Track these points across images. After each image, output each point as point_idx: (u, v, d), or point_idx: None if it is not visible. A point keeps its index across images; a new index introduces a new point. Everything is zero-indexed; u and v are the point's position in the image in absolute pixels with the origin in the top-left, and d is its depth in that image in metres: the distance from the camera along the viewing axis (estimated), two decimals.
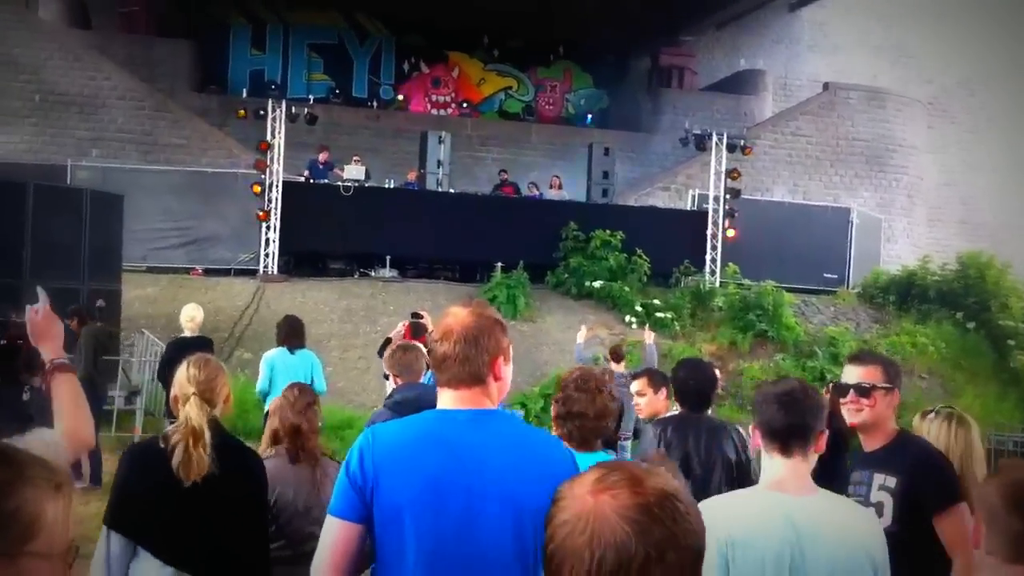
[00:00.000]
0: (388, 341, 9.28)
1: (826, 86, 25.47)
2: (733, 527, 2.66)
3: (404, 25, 28.46)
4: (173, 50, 25.47)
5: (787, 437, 2.80)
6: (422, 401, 5.43)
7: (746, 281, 18.49)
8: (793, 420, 2.80)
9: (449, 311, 2.79)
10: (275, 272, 17.86)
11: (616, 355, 11.18)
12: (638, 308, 17.42)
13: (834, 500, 2.85)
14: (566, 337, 16.67)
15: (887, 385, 3.71)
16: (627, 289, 17.72)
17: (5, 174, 16.04)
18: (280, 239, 17.92)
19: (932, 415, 4.18)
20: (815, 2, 29.42)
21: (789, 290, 18.56)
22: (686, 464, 4.81)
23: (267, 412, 6.45)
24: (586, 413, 3.84)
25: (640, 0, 25.63)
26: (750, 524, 2.67)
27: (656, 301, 17.74)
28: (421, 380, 5.47)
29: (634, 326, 17.09)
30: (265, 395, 8.38)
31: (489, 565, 2.55)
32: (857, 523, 2.79)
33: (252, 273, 17.97)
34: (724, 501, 2.83)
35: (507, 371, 2.78)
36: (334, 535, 2.58)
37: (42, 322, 3.04)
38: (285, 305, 16.75)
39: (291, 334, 8.63)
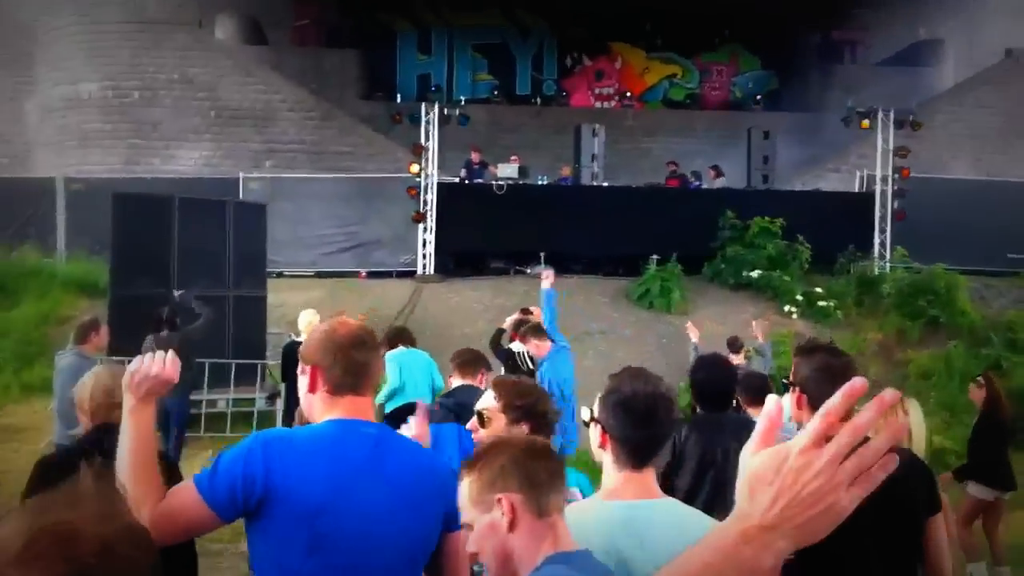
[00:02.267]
0: (501, 332, 9.37)
1: (1008, 52, 23.84)
2: None
3: (566, 18, 28.41)
4: (341, 60, 26.39)
5: (644, 452, 2.58)
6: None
7: (916, 264, 17.52)
8: (653, 434, 2.58)
9: (339, 321, 2.79)
10: (432, 273, 18.20)
11: (733, 346, 10.88)
12: (798, 297, 16.80)
13: (674, 505, 2.60)
14: (723, 330, 16.22)
15: (791, 382, 3.44)
16: (787, 278, 17.11)
17: (183, 189, 17.04)
18: (437, 240, 18.25)
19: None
20: None
21: (969, 272, 17.42)
22: (704, 465, 4.62)
23: None
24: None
25: None
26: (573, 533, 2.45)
27: (818, 289, 17.04)
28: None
29: (794, 316, 16.52)
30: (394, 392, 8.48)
31: None
32: (696, 528, 2.48)
33: (413, 275, 18.38)
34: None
35: None
36: (191, 510, 2.51)
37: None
38: (440, 306, 17.08)
39: (397, 340, 8.81)
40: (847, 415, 1.20)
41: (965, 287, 16.92)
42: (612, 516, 2.50)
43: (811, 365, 3.37)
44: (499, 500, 2.10)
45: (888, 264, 18.13)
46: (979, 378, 8.72)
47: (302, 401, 2.76)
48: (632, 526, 2.48)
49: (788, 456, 1.19)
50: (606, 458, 2.62)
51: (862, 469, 1.17)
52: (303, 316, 9.69)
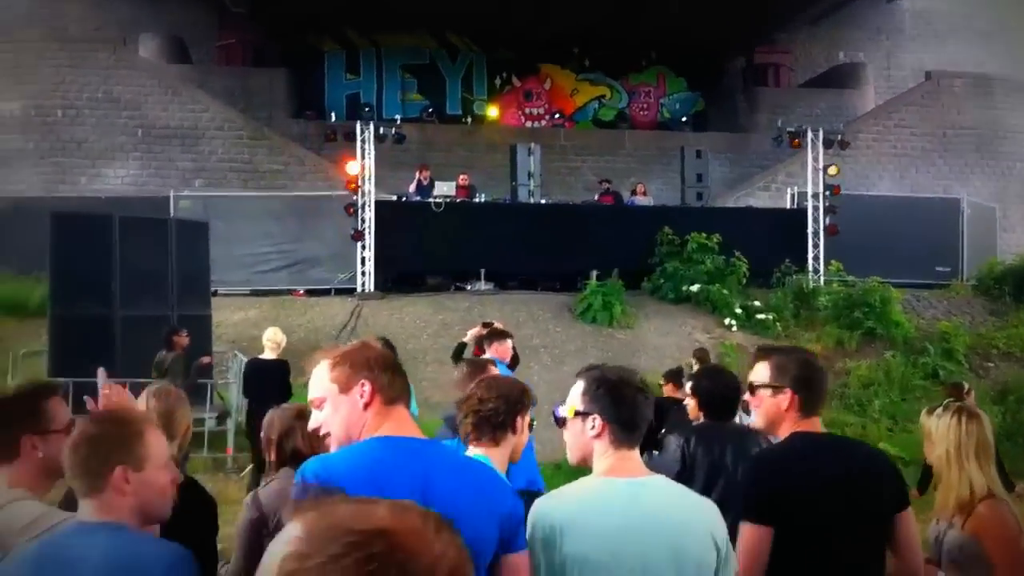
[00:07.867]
0: (463, 345, 9.18)
1: (928, 75, 24.62)
2: (557, 514, 2.64)
3: (494, 40, 28.51)
4: (270, 79, 26.05)
5: (637, 430, 2.79)
6: None
7: (850, 278, 17.88)
8: (643, 412, 2.80)
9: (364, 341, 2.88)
10: (372, 290, 18.01)
11: (702, 359, 10.85)
12: (737, 310, 17.00)
13: (669, 483, 2.84)
14: (665, 343, 16.40)
15: (773, 384, 3.28)
16: (725, 292, 17.30)
17: (111, 207, 16.57)
18: (376, 258, 18.08)
19: (940, 411, 3.89)
20: None
21: (899, 285, 17.83)
22: (714, 473, 4.66)
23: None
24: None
25: None
26: (581, 508, 2.67)
27: (756, 303, 17.29)
28: None
29: (734, 328, 16.72)
30: None
31: None
32: (698, 504, 2.79)
33: (351, 292, 18.14)
34: (555, 493, 2.79)
35: None
36: None
37: (116, 399, 3.19)
38: (382, 322, 16.88)
39: None
40: None
41: (898, 299, 17.29)
42: (619, 491, 2.70)
43: (797, 365, 3.31)
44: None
45: (822, 277, 18.45)
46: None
47: (349, 418, 2.61)
48: (638, 500, 2.68)
49: None
50: (598, 445, 2.78)
51: None
52: (269, 333, 9.57)
